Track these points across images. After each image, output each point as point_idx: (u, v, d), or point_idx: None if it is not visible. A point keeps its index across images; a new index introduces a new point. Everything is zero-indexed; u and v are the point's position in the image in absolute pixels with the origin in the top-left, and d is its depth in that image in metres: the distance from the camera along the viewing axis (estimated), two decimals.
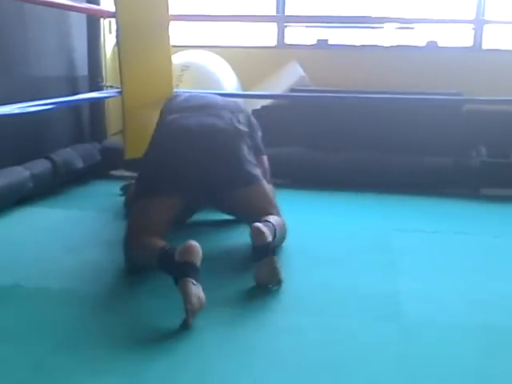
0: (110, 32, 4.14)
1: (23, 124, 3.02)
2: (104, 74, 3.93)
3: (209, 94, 2.83)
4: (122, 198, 3.01)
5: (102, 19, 3.89)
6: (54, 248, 2.37)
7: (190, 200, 2.34)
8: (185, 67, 3.74)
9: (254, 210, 2.34)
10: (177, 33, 3.95)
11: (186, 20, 4.30)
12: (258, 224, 2.04)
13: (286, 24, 4.29)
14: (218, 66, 3.91)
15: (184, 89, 3.38)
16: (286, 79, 4.03)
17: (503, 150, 3.55)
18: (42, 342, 1.64)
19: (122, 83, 3.24)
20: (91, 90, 3.78)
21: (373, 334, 1.73)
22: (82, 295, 1.97)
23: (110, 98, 3.79)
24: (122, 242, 2.18)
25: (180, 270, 1.78)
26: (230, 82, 3.89)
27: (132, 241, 2.13)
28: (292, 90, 3.90)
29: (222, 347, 1.65)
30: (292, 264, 2.29)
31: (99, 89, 3.81)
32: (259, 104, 3.94)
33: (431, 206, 3.20)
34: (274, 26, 4.29)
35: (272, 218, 2.25)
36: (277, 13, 4.26)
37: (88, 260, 2.30)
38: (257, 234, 2.01)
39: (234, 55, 4.05)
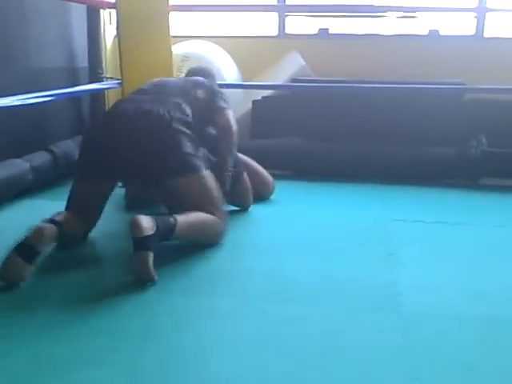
0: (110, 23, 4.12)
1: (23, 116, 3.02)
2: (104, 66, 3.92)
3: (172, 79, 2.82)
4: (122, 190, 3.01)
5: (102, 10, 3.88)
6: None
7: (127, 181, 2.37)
8: (185, 58, 3.73)
9: (180, 204, 2.27)
10: (177, 23, 3.93)
11: (186, 10, 4.28)
12: (138, 216, 1.97)
13: (286, 13, 4.26)
14: (219, 57, 3.90)
15: None
16: (286, 69, 4.01)
17: (504, 140, 3.53)
18: (38, 333, 1.65)
19: (122, 74, 3.24)
20: (91, 81, 3.78)
21: (372, 325, 1.73)
22: (81, 287, 1.97)
23: (110, 90, 3.79)
24: (119, 233, 2.18)
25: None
26: (230, 73, 3.87)
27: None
28: (293, 80, 3.89)
29: (221, 337, 1.65)
30: (291, 254, 2.29)
31: (99, 80, 3.80)
32: (260, 94, 3.94)
33: (431, 196, 3.19)
34: (274, 16, 4.27)
35: (188, 215, 2.17)
36: (277, 2, 4.25)
37: (88, 252, 2.32)
38: (133, 225, 1.95)
39: (234, 45, 4.03)
